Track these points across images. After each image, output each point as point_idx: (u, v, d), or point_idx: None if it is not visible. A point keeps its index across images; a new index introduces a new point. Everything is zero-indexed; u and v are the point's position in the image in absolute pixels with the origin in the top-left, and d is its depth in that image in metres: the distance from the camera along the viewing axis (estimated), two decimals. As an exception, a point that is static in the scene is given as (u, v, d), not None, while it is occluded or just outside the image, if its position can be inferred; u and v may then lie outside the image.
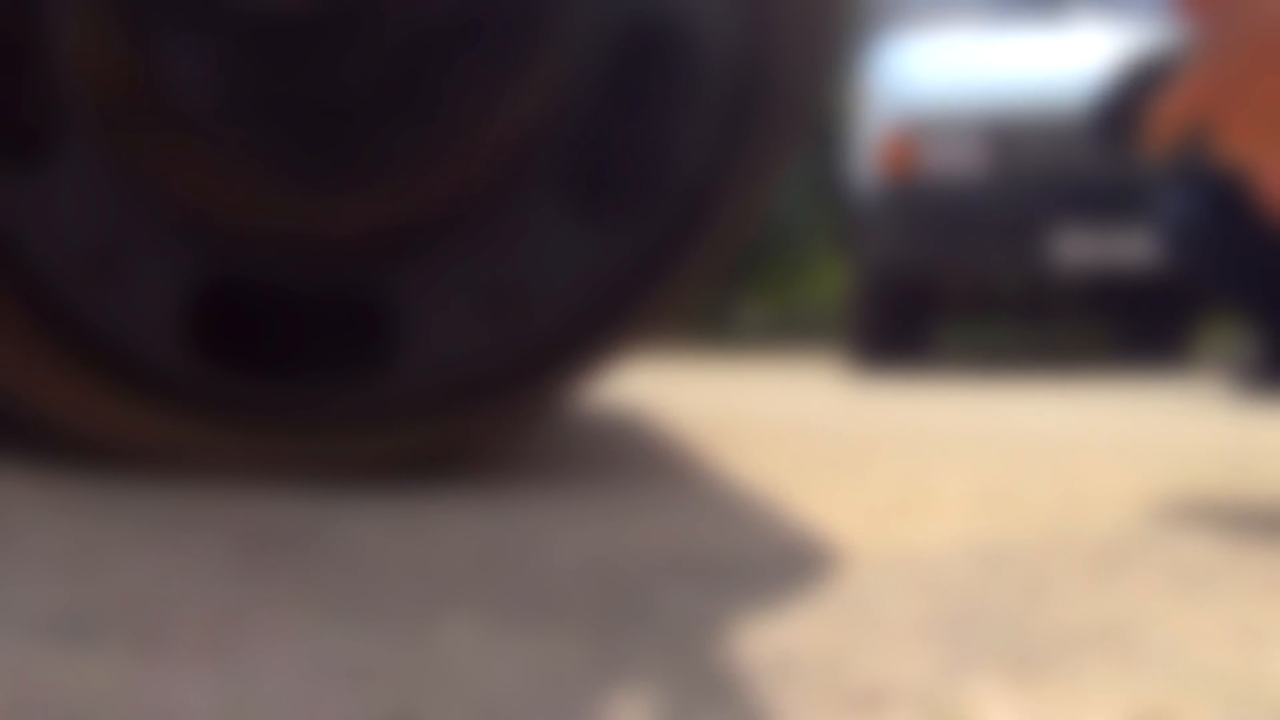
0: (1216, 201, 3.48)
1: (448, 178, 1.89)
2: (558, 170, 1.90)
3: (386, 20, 1.88)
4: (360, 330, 1.90)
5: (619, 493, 1.87)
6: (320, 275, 1.87)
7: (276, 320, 1.89)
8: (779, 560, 1.40)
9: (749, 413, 3.59)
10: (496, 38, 1.89)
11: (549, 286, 1.89)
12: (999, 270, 6.59)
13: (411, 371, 1.89)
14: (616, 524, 1.61)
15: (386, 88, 1.88)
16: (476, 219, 1.89)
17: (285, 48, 1.87)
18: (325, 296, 1.88)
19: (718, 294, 11.13)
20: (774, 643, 1.03)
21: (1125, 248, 6.44)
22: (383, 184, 1.88)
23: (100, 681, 0.91)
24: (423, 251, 1.88)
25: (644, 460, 2.33)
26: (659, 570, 1.32)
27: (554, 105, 1.90)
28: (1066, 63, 6.42)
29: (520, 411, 1.90)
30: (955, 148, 6.40)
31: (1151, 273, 6.45)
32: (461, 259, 1.89)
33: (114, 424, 1.85)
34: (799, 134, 1.95)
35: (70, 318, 1.85)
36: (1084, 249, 6.44)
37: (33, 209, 1.84)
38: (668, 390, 4.74)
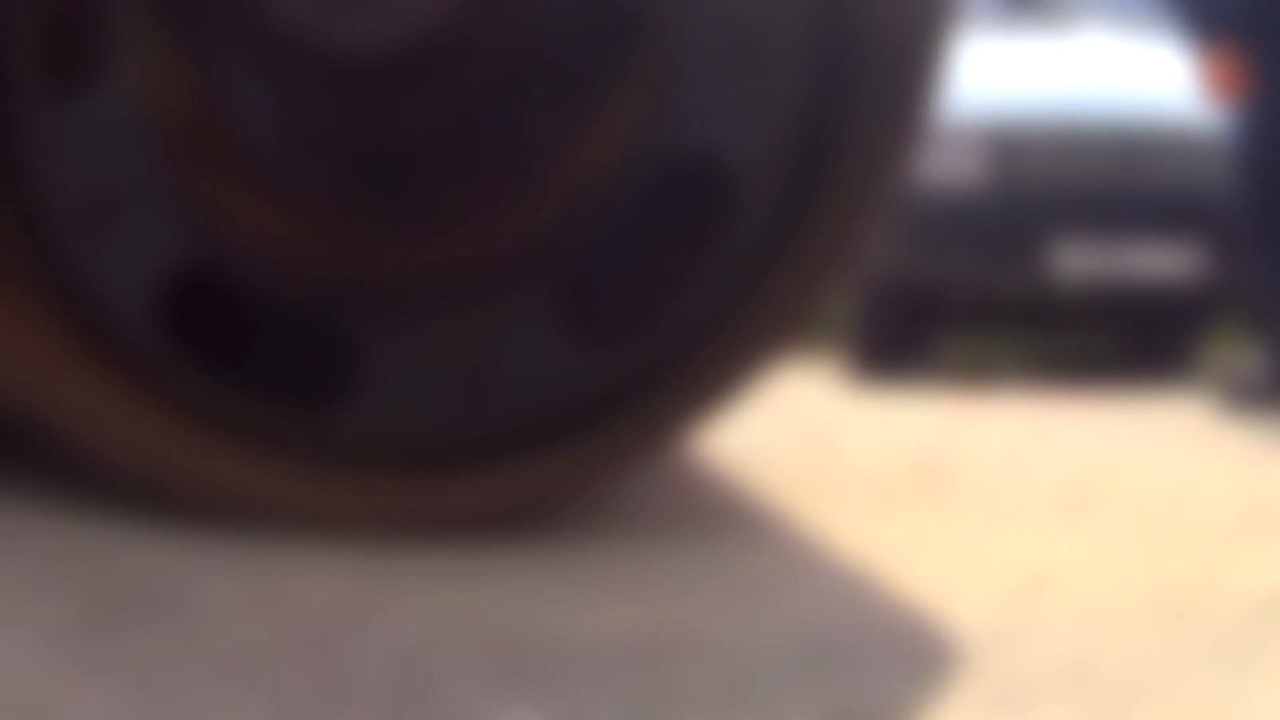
0: None
1: (453, 244, 1.89)
2: (558, 277, 1.89)
3: (437, 70, 1.89)
4: (321, 365, 1.88)
5: (501, 546, 1.85)
6: (297, 303, 1.86)
7: (242, 325, 1.86)
8: (603, 646, 1.38)
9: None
10: (534, 126, 1.89)
11: (515, 385, 1.87)
12: (1000, 281, 6.56)
13: (357, 419, 1.86)
14: (469, 590, 1.60)
15: (423, 137, 1.89)
16: (465, 296, 1.87)
17: (349, 83, 1.88)
18: (298, 323, 1.86)
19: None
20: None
21: (1128, 260, 6.40)
22: (394, 228, 1.89)
23: None
24: (403, 307, 1.87)
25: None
26: (470, 660, 1.31)
27: (571, 211, 1.89)
28: (1071, 71, 6.37)
29: (448, 498, 1.88)
30: (956, 156, 6.36)
31: (1155, 285, 6.40)
32: (438, 329, 1.87)
33: (69, 376, 1.81)
34: (831, 292, 1.94)
35: (60, 260, 1.80)
36: (1086, 261, 6.40)
37: (56, 136, 1.81)
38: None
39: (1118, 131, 6.41)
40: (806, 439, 3.05)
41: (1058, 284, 6.45)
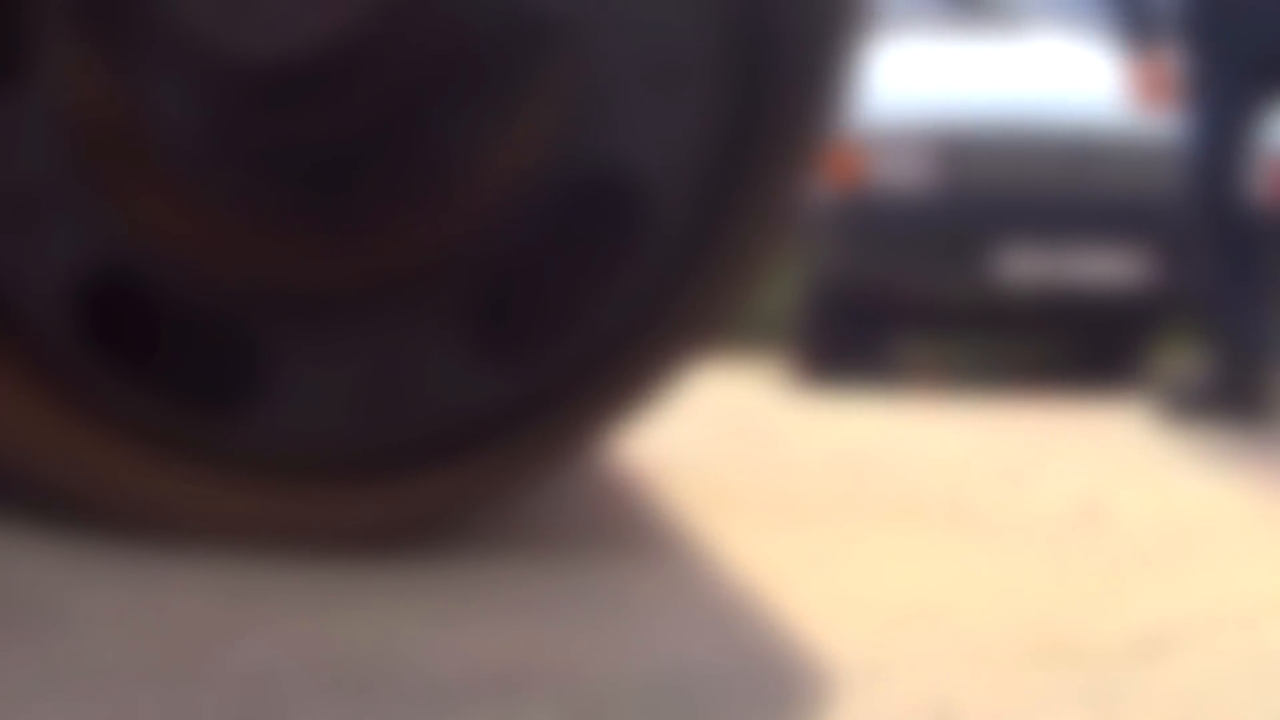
0: None
1: (365, 253, 1.89)
2: (469, 288, 1.89)
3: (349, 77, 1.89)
4: (228, 372, 1.87)
5: (382, 563, 1.83)
6: (208, 308, 1.85)
7: (154, 329, 1.85)
8: (457, 676, 1.36)
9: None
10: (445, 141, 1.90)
11: (424, 396, 1.87)
12: (946, 286, 6.56)
13: (261, 427, 1.85)
14: (338, 610, 1.58)
15: (337, 146, 1.89)
16: (376, 305, 1.88)
17: (263, 91, 1.88)
18: (208, 328, 1.86)
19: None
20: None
21: (1076, 266, 6.41)
22: (306, 236, 1.89)
23: None
24: (313, 315, 1.87)
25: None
26: (319, 688, 1.29)
27: (484, 222, 1.89)
28: (1019, 76, 6.37)
29: (350, 510, 1.87)
30: (905, 160, 6.37)
31: (1102, 291, 6.41)
32: (348, 338, 1.87)
33: None
34: (745, 299, 1.95)
35: None
36: (1033, 266, 6.41)
37: None
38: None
39: (1066, 137, 6.41)
40: (740, 446, 3.05)
41: (1004, 289, 6.45)
